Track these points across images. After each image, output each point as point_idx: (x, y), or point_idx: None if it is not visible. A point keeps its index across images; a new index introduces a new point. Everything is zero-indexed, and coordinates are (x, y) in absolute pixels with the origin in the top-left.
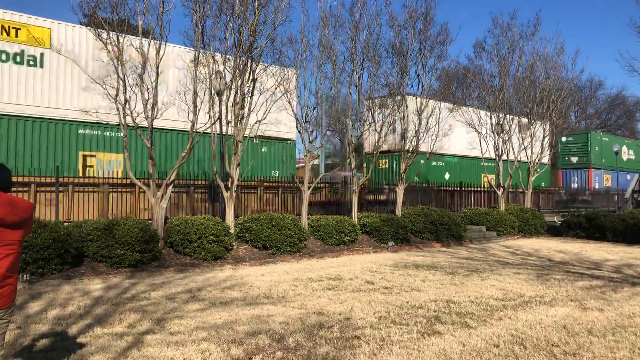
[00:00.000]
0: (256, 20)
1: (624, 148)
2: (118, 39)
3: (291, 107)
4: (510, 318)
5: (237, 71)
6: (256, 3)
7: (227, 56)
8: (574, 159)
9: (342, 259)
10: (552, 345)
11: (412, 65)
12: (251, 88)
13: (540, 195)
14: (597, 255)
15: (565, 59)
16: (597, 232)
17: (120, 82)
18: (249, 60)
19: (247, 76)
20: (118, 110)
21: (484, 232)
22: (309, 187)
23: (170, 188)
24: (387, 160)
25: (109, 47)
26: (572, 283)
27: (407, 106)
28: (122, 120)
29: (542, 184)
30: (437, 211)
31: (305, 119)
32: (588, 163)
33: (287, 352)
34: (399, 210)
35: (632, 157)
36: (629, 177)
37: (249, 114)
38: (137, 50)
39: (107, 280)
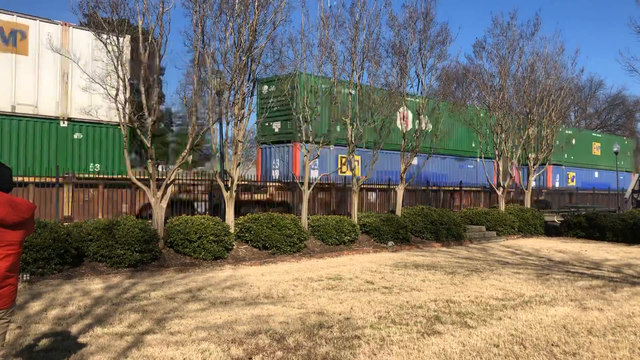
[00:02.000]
0: (256, 20)
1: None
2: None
3: (291, 107)
4: (510, 318)
5: (237, 71)
6: (256, 3)
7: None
8: (276, 127)
9: (342, 258)
10: (552, 345)
11: (412, 65)
12: (251, 88)
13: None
14: (596, 255)
15: (565, 59)
16: (597, 232)
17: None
18: (249, 60)
19: (247, 76)
20: (118, 110)
21: (484, 231)
22: (308, 187)
23: (170, 188)
24: None
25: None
26: (572, 283)
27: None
28: (122, 120)
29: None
30: (437, 211)
31: (305, 118)
32: (292, 133)
33: (287, 352)
34: (399, 210)
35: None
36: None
37: (249, 114)
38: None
39: (107, 280)
